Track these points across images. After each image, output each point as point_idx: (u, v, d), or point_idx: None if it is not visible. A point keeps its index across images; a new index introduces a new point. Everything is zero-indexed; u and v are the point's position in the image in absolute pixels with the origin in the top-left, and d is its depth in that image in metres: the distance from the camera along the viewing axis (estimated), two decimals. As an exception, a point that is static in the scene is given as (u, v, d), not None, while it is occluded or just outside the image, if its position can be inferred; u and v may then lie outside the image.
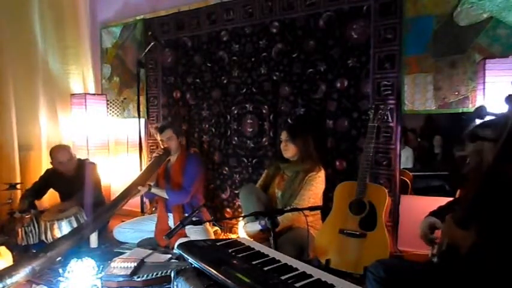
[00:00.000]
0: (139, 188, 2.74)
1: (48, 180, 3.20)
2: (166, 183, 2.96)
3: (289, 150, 2.55)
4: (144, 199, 3.46)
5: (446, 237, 1.39)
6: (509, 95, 1.19)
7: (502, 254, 1.20)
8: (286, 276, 1.16)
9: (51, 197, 3.42)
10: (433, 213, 1.65)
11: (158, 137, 2.99)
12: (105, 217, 2.77)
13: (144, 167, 3.16)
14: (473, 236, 1.25)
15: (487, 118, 1.27)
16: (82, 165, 3.17)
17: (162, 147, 2.98)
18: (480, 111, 1.25)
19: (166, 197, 2.85)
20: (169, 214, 2.93)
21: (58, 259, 2.33)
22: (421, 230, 1.59)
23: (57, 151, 3.11)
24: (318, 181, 2.46)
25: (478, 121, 1.38)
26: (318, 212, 2.50)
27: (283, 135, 2.58)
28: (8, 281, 1.98)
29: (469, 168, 1.48)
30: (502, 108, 1.18)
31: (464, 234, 1.28)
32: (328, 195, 2.53)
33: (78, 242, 2.45)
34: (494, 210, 1.23)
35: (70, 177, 3.11)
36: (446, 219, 1.41)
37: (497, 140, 1.20)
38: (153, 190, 2.84)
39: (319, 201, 2.48)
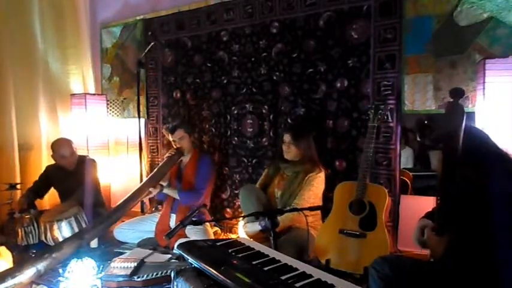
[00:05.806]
0: (150, 189, 2.72)
1: (49, 176, 3.18)
2: (178, 183, 2.94)
3: (291, 152, 2.54)
4: (144, 199, 3.46)
5: (428, 244, 1.39)
6: (454, 88, 1.21)
7: (472, 256, 1.19)
8: (286, 276, 1.16)
9: (51, 198, 3.42)
10: (427, 215, 1.62)
11: (170, 138, 2.97)
12: (115, 217, 2.70)
13: (144, 168, 3.15)
14: (445, 242, 1.26)
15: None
16: (82, 161, 3.16)
17: (174, 147, 2.95)
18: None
19: (178, 198, 2.83)
20: (172, 215, 2.92)
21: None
22: (414, 234, 1.57)
23: (59, 145, 3.07)
24: (318, 181, 2.46)
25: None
26: (318, 212, 2.50)
27: (286, 138, 2.55)
28: (11, 282, 1.97)
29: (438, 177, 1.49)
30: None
31: (439, 240, 1.29)
32: (328, 195, 2.53)
33: (86, 243, 2.42)
34: (459, 213, 1.23)
35: (70, 173, 3.09)
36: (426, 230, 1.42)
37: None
38: (165, 191, 2.83)
39: (318, 202, 2.47)
